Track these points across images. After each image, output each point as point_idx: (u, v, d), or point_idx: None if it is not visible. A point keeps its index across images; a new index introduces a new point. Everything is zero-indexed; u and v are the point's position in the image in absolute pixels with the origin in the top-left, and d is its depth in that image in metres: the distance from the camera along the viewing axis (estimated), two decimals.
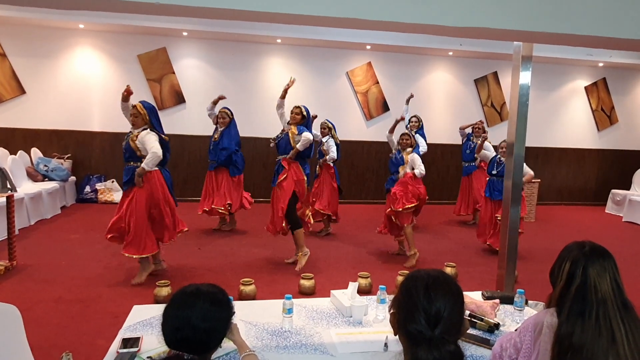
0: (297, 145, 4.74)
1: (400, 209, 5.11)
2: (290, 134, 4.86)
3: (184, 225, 4.66)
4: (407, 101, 7.39)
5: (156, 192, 4.31)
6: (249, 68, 8.76)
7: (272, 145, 5.08)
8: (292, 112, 4.94)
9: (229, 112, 6.47)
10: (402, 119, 6.00)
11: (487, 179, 5.93)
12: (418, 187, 5.22)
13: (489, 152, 6.40)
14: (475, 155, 6.13)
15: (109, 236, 4.34)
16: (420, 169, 5.19)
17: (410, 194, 5.15)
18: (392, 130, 5.69)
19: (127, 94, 4.41)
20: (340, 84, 9.12)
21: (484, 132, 7.26)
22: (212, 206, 6.19)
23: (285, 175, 4.79)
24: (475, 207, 7.49)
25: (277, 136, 5.03)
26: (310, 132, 4.89)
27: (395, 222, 5.28)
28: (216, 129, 6.49)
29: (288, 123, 4.97)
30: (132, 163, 4.34)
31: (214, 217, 6.64)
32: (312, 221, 5.91)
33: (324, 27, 2.59)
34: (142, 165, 4.21)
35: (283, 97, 5.04)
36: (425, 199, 5.30)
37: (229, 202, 6.20)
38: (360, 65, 9.14)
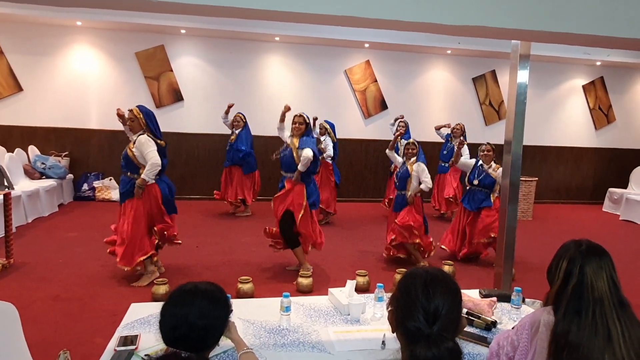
0: (299, 167, 4.48)
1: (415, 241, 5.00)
2: (293, 149, 4.57)
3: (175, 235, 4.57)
4: (395, 120, 7.71)
5: (151, 206, 4.29)
6: (247, 66, 8.74)
7: (274, 158, 4.89)
8: (294, 122, 4.63)
9: (242, 117, 7.34)
10: (401, 134, 5.94)
11: (467, 188, 5.52)
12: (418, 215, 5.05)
13: (466, 157, 6.22)
14: (454, 164, 5.80)
15: (109, 250, 4.38)
16: (426, 182, 4.95)
17: (413, 226, 4.97)
18: (392, 147, 5.45)
19: (120, 117, 4.38)
20: (338, 82, 9.11)
21: (463, 132, 7.48)
22: (228, 200, 7.29)
23: (284, 193, 4.59)
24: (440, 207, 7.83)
25: (281, 151, 4.76)
26: (312, 141, 4.62)
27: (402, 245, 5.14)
28: (232, 131, 7.35)
29: (291, 136, 4.70)
30: (129, 174, 4.27)
31: (223, 208, 7.71)
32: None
33: (322, 25, 2.59)
34: (142, 176, 4.15)
35: (282, 120, 4.91)
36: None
37: (240, 197, 7.24)
38: (359, 64, 9.13)
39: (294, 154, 4.56)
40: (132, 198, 4.22)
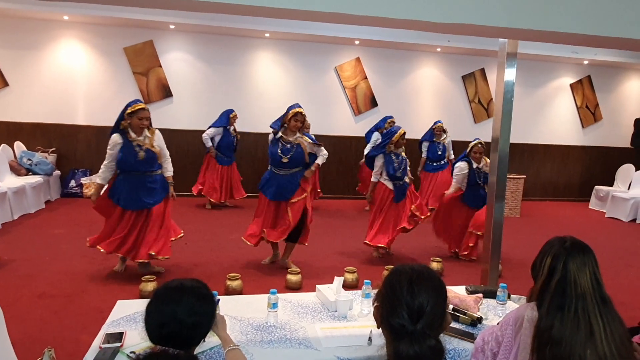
0: (318, 161, 4.69)
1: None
2: (302, 145, 4.60)
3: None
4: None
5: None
6: (237, 62, 8.70)
7: (284, 160, 4.63)
8: (297, 120, 4.57)
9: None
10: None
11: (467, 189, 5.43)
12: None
13: (454, 159, 6.00)
14: (454, 177, 5.71)
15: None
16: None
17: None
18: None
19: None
20: (328, 79, 9.11)
21: (443, 129, 7.72)
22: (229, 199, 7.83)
23: (303, 196, 4.63)
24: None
25: (281, 149, 4.61)
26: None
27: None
28: (228, 127, 7.65)
29: (289, 131, 4.63)
30: (153, 172, 4.25)
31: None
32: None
33: (312, 22, 2.58)
34: (169, 174, 4.25)
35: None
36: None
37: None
38: (349, 61, 9.13)
39: (304, 150, 4.62)
40: (163, 200, 4.24)
